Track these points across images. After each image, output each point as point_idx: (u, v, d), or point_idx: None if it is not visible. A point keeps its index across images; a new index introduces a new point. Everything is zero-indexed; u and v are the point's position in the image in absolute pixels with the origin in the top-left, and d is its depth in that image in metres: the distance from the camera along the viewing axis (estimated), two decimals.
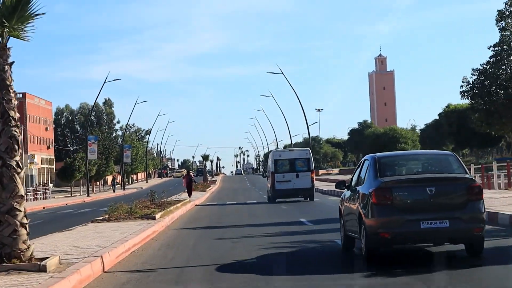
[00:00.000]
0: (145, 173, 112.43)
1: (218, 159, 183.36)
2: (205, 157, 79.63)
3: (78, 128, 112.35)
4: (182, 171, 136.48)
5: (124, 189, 74.19)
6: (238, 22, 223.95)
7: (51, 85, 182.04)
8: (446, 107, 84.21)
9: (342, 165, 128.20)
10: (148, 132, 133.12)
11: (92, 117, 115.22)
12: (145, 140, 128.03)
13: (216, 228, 17.91)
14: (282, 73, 56.45)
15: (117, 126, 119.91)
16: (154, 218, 19.40)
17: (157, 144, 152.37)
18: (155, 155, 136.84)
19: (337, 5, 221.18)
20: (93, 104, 69.77)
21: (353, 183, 11.46)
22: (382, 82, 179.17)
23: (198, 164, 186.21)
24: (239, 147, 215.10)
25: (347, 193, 11.76)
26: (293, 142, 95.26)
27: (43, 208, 40.32)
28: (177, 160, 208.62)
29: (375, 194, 9.90)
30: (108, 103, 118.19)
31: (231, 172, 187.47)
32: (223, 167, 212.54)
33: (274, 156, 33.32)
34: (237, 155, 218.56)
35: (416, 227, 9.72)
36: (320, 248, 12.53)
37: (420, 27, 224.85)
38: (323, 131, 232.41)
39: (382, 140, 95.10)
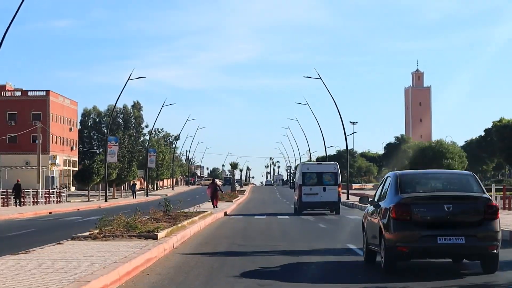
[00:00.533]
0: (172, 179, 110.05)
1: (248, 168, 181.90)
2: (234, 165, 74.79)
3: (105, 130, 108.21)
4: (210, 179, 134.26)
5: (147, 195, 71.14)
6: (274, 33, 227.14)
7: (84, 89, 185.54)
8: (498, 121, 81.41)
9: (376, 180, 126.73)
10: (177, 138, 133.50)
11: (120, 120, 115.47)
12: (173, 146, 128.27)
13: (238, 256, 13.74)
14: (320, 78, 54.31)
15: (145, 131, 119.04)
16: (155, 238, 15.16)
17: (186, 150, 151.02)
18: (183, 162, 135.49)
19: (374, 19, 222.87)
20: (115, 103, 62.03)
21: (376, 199, 12.04)
22: (418, 98, 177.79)
23: (227, 173, 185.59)
24: (270, 158, 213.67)
25: (370, 208, 12.33)
26: (328, 154, 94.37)
27: (49, 213, 37.46)
28: (207, 169, 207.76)
29: (394, 209, 10.51)
30: (136, 106, 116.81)
31: (261, 182, 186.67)
32: (253, 177, 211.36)
33: (302, 169, 34.51)
34: (268, 166, 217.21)
35: (433, 242, 10.28)
36: None
37: (458, 45, 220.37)
38: (357, 144, 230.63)
39: (427, 154, 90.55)
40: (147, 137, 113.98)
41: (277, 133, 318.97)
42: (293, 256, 13.55)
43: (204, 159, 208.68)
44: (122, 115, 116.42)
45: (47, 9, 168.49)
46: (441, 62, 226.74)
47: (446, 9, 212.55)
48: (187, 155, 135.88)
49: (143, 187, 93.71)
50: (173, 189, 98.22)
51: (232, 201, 47.07)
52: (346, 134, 58.17)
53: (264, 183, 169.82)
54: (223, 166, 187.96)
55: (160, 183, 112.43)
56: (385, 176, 12.00)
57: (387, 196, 11.15)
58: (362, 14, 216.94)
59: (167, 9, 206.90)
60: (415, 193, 10.83)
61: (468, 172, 11.98)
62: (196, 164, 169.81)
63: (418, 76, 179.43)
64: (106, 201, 55.86)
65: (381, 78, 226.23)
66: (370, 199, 12.77)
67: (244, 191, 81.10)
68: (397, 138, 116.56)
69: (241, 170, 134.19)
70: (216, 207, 35.06)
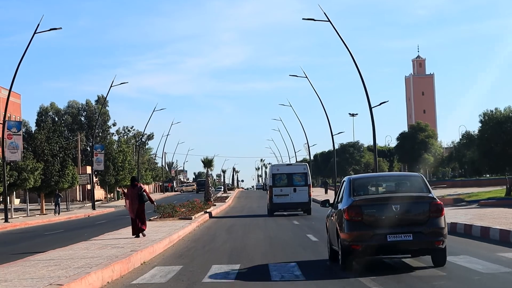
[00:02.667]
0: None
1: (234, 170, 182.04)
2: (207, 162, 53.82)
3: (66, 131, 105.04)
4: (193, 185, 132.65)
5: (94, 208, 61.20)
6: (262, 37, 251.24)
7: (72, 99, 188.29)
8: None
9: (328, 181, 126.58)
10: (150, 137, 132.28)
11: (82, 118, 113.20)
12: (146, 146, 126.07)
13: None
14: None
15: (113, 129, 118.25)
16: None
17: (165, 152, 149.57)
18: (161, 165, 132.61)
19: (361, 20, 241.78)
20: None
21: (335, 201, 14.82)
22: (420, 87, 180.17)
23: (215, 177, 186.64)
24: (261, 159, 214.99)
25: (331, 210, 15.06)
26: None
27: None
28: (194, 174, 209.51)
29: (347, 211, 13.19)
30: (101, 101, 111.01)
31: (252, 186, 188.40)
32: (242, 181, 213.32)
33: (272, 170, 38.57)
34: (258, 168, 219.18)
35: (383, 240, 12.91)
36: None
37: (446, 42, 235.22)
38: (358, 138, 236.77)
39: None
40: (116, 137, 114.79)
41: (267, 135, 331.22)
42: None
43: (189, 163, 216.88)
44: (85, 113, 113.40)
45: (33, 19, 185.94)
46: (431, 59, 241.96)
47: (433, 6, 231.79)
48: (163, 156, 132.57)
49: (108, 196, 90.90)
50: None
51: (191, 218, 32.57)
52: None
53: (254, 187, 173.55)
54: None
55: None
56: (342, 180, 14.70)
57: (343, 199, 13.88)
58: (349, 14, 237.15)
59: (153, 16, 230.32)
60: (366, 195, 13.53)
61: (416, 173, 14.68)
62: (178, 168, 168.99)
63: (419, 63, 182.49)
64: (6, 220, 43.45)
65: (372, 76, 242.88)
66: (330, 202, 15.52)
67: (228, 197, 75.77)
68: (412, 127, 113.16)
69: (223, 172, 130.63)
70: (141, 234, 22.30)
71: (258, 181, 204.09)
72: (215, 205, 50.97)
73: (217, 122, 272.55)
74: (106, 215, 53.17)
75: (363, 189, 13.89)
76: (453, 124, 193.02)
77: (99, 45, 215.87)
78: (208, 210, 41.32)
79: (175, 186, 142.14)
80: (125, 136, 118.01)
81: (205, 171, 55.79)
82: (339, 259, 13.83)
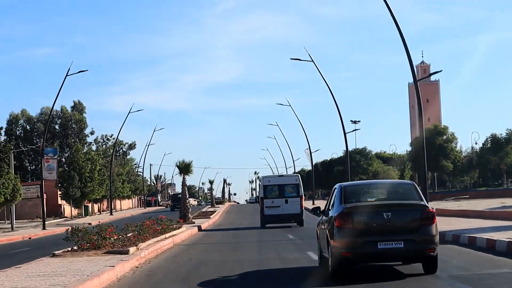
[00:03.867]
0: (110, 200, 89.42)
1: (225, 182, 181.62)
2: (184, 168, 46.46)
3: (38, 140, 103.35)
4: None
5: (44, 228, 53.48)
6: (257, 53, 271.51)
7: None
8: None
9: None
10: (132, 146, 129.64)
11: (56, 126, 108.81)
12: (128, 157, 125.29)
13: None
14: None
15: (91, 138, 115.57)
16: None
17: (150, 164, 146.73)
18: (141, 177, 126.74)
19: (355, 35, 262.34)
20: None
21: (326, 209, 15.81)
22: (425, 94, 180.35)
23: (206, 190, 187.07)
24: (255, 172, 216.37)
25: (322, 218, 16.10)
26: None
27: None
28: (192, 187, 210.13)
29: (338, 218, 14.16)
30: (78, 107, 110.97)
31: (246, 200, 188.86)
32: (235, 194, 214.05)
33: (263, 182, 40.49)
34: (252, 181, 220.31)
35: (374, 248, 13.87)
36: None
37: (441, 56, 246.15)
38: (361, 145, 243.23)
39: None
40: (94, 147, 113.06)
41: (262, 147, 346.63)
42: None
43: (178, 176, 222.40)
44: (59, 120, 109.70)
45: (28, 37, 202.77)
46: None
47: (427, 22, 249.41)
48: (149, 168, 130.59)
49: (77, 212, 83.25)
50: (111, 214, 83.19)
51: (128, 251, 21.19)
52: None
53: (248, 201, 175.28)
54: (203, 184, 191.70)
55: (104, 204, 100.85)
56: (333, 188, 15.75)
57: (334, 206, 14.96)
58: (343, 30, 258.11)
59: (148, 33, 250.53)
60: (357, 203, 14.56)
61: (408, 181, 15.83)
62: (166, 182, 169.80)
63: (424, 69, 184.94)
64: None
65: (369, 91, 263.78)
66: (321, 209, 16.61)
67: (213, 213, 65.48)
68: (428, 130, 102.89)
69: (211, 183, 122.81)
70: None
71: (252, 194, 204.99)
72: (193, 222, 44.51)
73: (211, 137, 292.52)
74: (49, 237, 44.02)
75: (354, 196, 14.92)
76: (461, 132, 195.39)
77: (94, 62, 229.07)
78: (175, 232, 30.50)
79: (159, 200, 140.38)
80: (104, 146, 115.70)
81: (184, 182, 47.27)
82: (329, 266, 14.82)
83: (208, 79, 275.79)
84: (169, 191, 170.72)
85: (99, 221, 46.29)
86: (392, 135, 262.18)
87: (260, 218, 40.47)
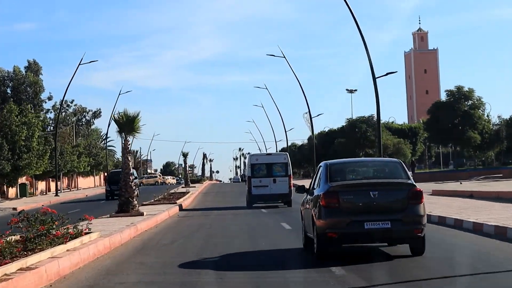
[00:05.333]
0: (56, 179, 79.22)
1: (205, 157, 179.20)
2: (127, 123, 32.80)
3: None
4: (157, 176, 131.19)
5: None
6: (240, 29, 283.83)
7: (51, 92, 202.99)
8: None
9: (416, 163, 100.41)
10: (97, 114, 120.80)
11: (8, 90, 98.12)
12: (93, 127, 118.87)
13: None
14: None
15: (49, 105, 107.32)
16: None
17: (130, 141, 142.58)
18: (105, 151, 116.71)
19: (339, 12, 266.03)
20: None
21: (310, 187, 16.32)
22: (422, 64, 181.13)
23: (188, 169, 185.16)
24: (239, 148, 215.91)
25: (307, 197, 16.56)
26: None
27: None
28: (163, 165, 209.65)
29: (323, 197, 14.63)
30: (33, 68, 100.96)
31: (230, 179, 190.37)
32: (217, 172, 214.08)
33: (251, 160, 41.06)
34: (236, 158, 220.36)
35: (360, 228, 14.38)
36: None
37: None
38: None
39: None
40: (52, 115, 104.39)
41: (247, 121, 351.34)
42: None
43: (158, 152, 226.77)
44: (11, 83, 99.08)
45: (9, 12, 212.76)
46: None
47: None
48: (105, 137, 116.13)
49: (33, 189, 79.44)
50: (56, 195, 70.85)
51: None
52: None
53: (232, 180, 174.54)
54: (184, 158, 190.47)
55: (62, 182, 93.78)
56: (319, 166, 16.25)
57: (319, 185, 15.43)
58: (327, 7, 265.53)
59: (130, 8, 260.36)
60: (343, 181, 15.04)
61: (395, 159, 16.30)
62: (143, 158, 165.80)
63: (421, 36, 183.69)
64: None
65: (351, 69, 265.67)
66: (306, 188, 17.08)
67: (186, 195, 53.16)
68: (450, 93, 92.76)
69: (184, 156, 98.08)
70: None
71: (236, 173, 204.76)
72: (141, 213, 31.04)
73: (194, 114, 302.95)
74: None
75: (340, 174, 15.39)
76: None
77: (76, 38, 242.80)
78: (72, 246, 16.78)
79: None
80: (63, 113, 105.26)
81: (127, 146, 33.43)
82: (314, 247, 15.30)
83: (191, 55, 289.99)
84: (148, 168, 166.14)
85: (34, 206, 43.46)
86: (388, 107, 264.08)
87: (246, 197, 41.32)
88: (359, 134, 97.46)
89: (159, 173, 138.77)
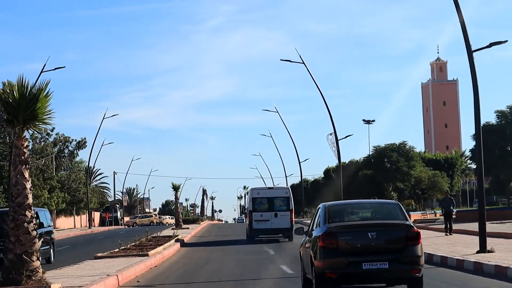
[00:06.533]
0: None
1: (205, 193, 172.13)
2: None
3: None
4: (153, 215, 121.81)
5: None
6: (247, 70, 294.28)
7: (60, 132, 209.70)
8: None
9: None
10: (82, 145, 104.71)
11: None
12: (77, 158, 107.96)
13: None
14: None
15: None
16: None
17: (115, 173, 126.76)
18: (87, 183, 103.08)
19: (345, 52, 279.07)
20: None
21: (309, 229, 17.33)
22: (441, 95, 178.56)
23: (189, 208, 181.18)
24: (244, 187, 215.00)
25: (305, 238, 17.58)
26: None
27: None
28: (162, 204, 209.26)
29: (322, 238, 15.61)
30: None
31: (234, 219, 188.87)
32: (220, 211, 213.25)
33: (252, 194, 42.64)
34: (241, 197, 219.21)
35: (358, 268, 15.34)
36: None
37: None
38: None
39: None
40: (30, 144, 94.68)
41: (252, 161, 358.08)
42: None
43: (157, 190, 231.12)
44: None
45: (19, 52, 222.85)
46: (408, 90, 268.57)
47: (417, 39, 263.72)
48: (87, 170, 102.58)
49: None
50: None
51: None
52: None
53: (236, 221, 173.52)
54: (186, 200, 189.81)
55: None
56: (317, 207, 17.28)
57: (318, 226, 16.44)
58: (333, 47, 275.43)
59: (138, 48, 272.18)
60: (341, 222, 16.05)
61: (393, 201, 17.39)
62: (139, 196, 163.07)
63: (439, 66, 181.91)
64: None
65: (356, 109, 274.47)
66: (305, 230, 18.10)
67: (169, 239, 40.00)
68: (502, 114, 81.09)
69: (175, 189, 77.44)
70: None
71: (241, 212, 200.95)
72: None
73: (199, 153, 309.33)
74: None
75: (338, 216, 16.44)
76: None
77: (84, 78, 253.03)
78: None
79: (120, 216, 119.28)
80: (43, 142, 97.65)
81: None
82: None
83: (198, 95, 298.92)
84: (146, 207, 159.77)
85: None
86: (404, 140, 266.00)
87: (247, 231, 42.72)
88: (388, 165, 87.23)
89: (156, 213, 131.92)
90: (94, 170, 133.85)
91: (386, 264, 15.35)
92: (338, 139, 58.58)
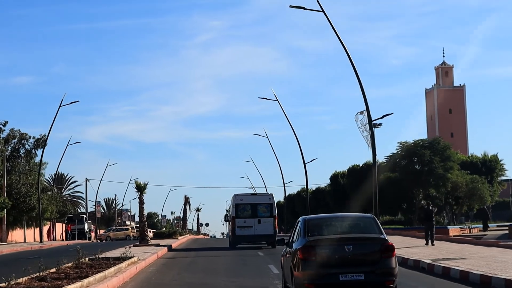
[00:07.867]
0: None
1: (187, 201, 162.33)
2: None
3: None
4: (129, 229, 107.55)
5: None
6: (237, 85, 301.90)
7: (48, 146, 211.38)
8: None
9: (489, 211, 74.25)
10: (40, 143, 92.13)
11: None
12: (36, 159, 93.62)
13: None
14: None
15: None
16: None
17: (87, 179, 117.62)
18: (82, 197, 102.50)
19: (334, 69, 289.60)
20: None
21: (290, 240, 19.21)
22: (447, 103, 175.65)
23: (174, 221, 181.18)
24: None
25: (286, 249, 19.55)
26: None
27: None
28: (148, 216, 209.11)
29: (301, 250, 17.51)
30: None
31: (222, 234, 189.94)
32: (207, 225, 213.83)
33: (235, 200, 44.46)
34: (229, 210, 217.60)
35: (335, 279, 17.24)
36: None
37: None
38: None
39: None
40: None
41: (240, 181, 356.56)
42: None
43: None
44: None
45: (7, 65, 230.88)
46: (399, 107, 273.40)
47: (406, 56, 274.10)
48: (37, 176, 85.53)
49: None
50: None
51: None
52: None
53: (224, 236, 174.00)
54: (172, 213, 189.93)
55: None
56: (297, 221, 19.23)
57: (297, 239, 18.38)
58: (322, 64, 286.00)
59: (127, 63, 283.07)
60: (320, 236, 17.96)
61: (369, 215, 19.37)
62: (121, 208, 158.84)
63: (445, 71, 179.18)
64: None
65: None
66: (286, 241, 20.07)
67: (114, 264, 27.91)
68: None
69: (139, 190, 57.44)
70: None
71: (225, 219, 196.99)
72: None
73: (187, 169, 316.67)
74: None
75: (317, 229, 18.39)
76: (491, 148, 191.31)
77: (73, 92, 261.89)
78: None
79: (88, 228, 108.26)
80: None
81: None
82: None
83: (187, 110, 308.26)
84: (127, 220, 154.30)
85: None
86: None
87: (229, 238, 44.60)
88: (418, 166, 76.50)
89: (133, 226, 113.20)
90: (65, 177, 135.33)
91: (362, 275, 17.25)
92: (372, 120, 43.92)
